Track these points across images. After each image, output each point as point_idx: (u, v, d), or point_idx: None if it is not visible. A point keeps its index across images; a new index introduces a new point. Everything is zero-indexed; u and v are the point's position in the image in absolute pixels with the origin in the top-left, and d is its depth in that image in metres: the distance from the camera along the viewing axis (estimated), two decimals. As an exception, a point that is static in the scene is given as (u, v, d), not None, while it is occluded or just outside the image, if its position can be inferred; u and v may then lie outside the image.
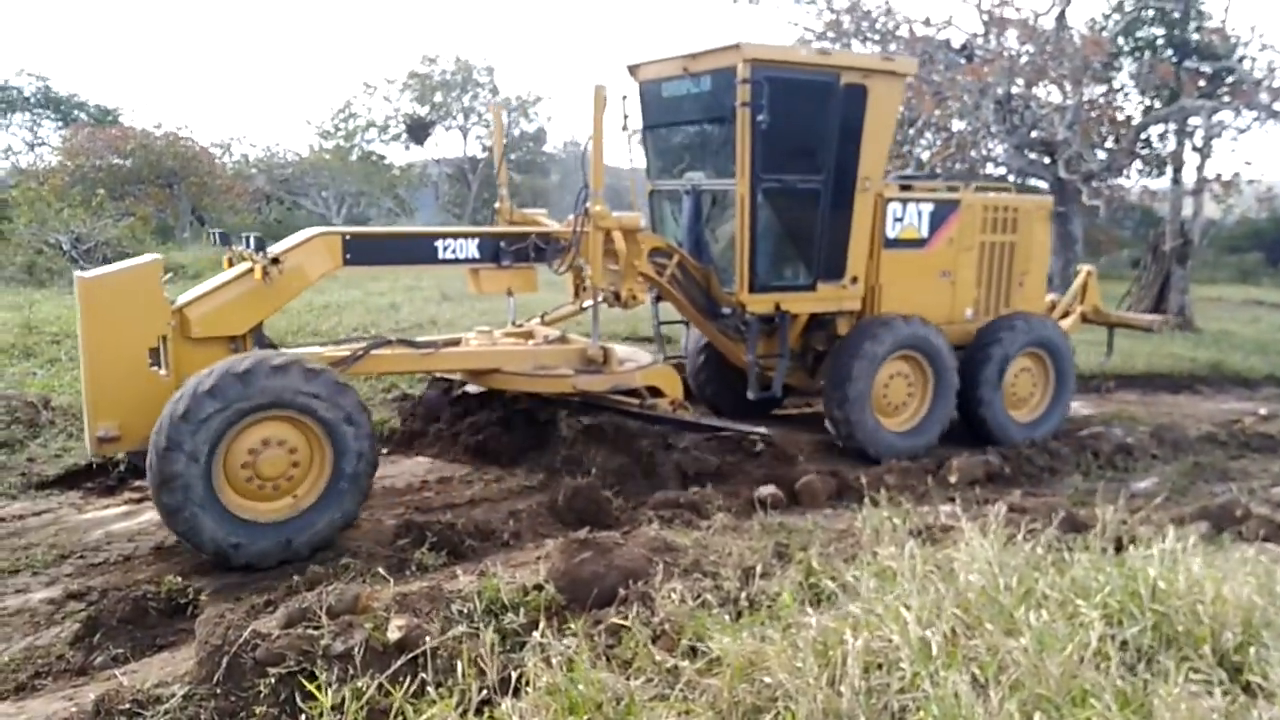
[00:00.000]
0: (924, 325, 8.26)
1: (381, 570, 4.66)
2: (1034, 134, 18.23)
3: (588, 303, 7.41)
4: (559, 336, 7.92)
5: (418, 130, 37.88)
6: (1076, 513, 5.85)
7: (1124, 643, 3.65)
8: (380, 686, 3.28)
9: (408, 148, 38.60)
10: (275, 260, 6.07)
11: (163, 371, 6.00)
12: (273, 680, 3.36)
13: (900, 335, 8.11)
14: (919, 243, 8.53)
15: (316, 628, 3.60)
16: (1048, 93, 18.62)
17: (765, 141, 7.49)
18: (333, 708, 3.14)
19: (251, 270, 6.12)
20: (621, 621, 3.89)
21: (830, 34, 19.84)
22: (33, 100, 31.25)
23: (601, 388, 7.28)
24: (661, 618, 3.98)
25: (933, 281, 8.69)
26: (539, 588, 4.22)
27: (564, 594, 4.22)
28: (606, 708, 3.25)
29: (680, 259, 7.88)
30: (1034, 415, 8.99)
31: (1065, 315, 10.12)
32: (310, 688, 3.29)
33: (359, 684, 3.26)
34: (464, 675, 3.36)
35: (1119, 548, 4.86)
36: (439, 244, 6.81)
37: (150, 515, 6.71)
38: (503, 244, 6.95)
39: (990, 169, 20.84)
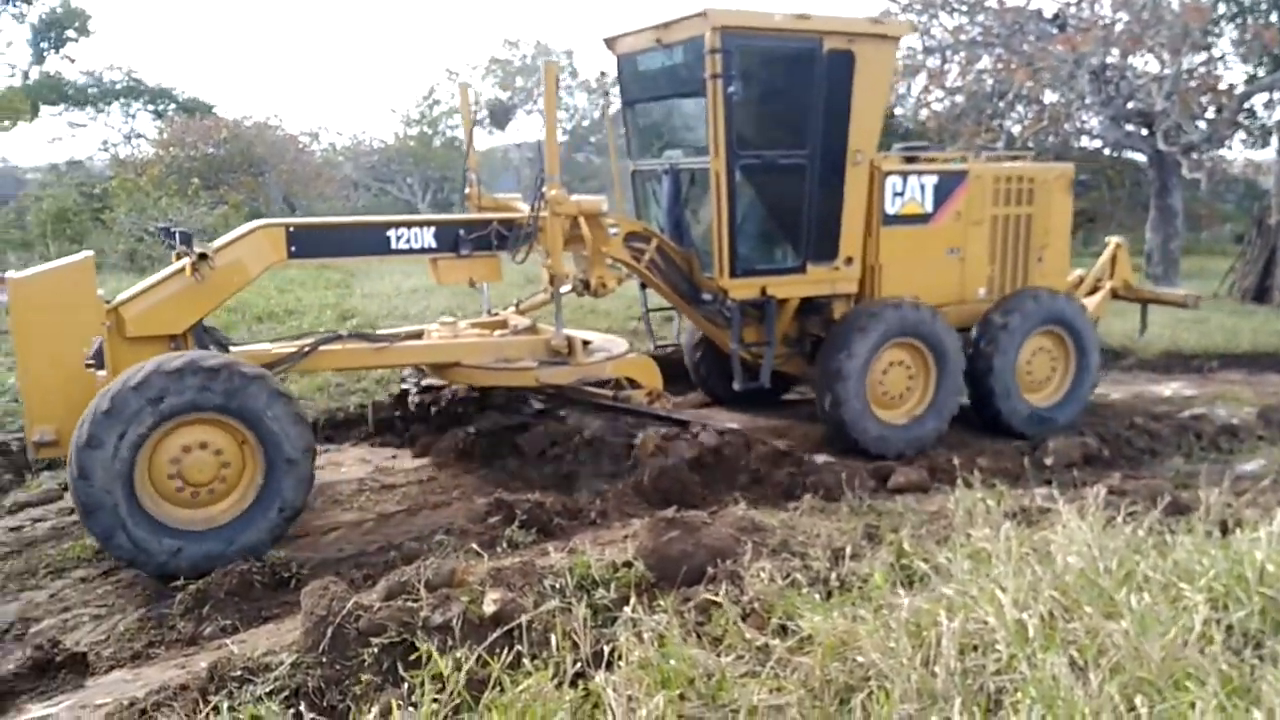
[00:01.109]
0: (923, 310, 7.73)
1: (475, 546, 4.77)
2: (1130, 105, 17.59)
3: (562, 289, 7.14)
4: (528, 326, 7.59)
5: (499, 115, 38.22)
6: (1179, 495, 5.68)
7: (1229, 627, 3.53)
8: (478, 658, 3.36)
9: (490, 132, 39.00)
10: (204, 256, 5.87)
11: (102, 372, 5.85)
12: (375, 650, 3.47)
13: (896, 322, 7.60)
14: (922, 218, 8.02)
15: (416, 600, 3.71)
16: (1145, 62, 17.94)
17: (742, 115, 7.09)
18: (433, 677, 3.23)
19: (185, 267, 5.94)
20: (712, 598, 3.92)
21: (916, 5, 19.41)
22: (122, 90, 32.37)
23: (566, 380, 6.96)
24: (751, 596, 3.99)
25: (939, 260, 8.18)
26: (628, 564, 4.26)
27: (653, 571, 4.26)
28: (698, 683, 3.28)
29: (659, 243, 7.50)
30: (1054, 399, 8.45)
31: (1094, 291, 9.62)
32: (424, 650, 3.37)
33: (458, 655, 3.34)
34: (558, 648, 3.42)
35: (1224, 531, 4.71)
36: (391, 234, 6.53)
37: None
38: (461, 232, 6.66)
39: (1085, 142, 20.21)
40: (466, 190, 7.91)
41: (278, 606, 5.04)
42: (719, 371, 8.64)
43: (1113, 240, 9.92)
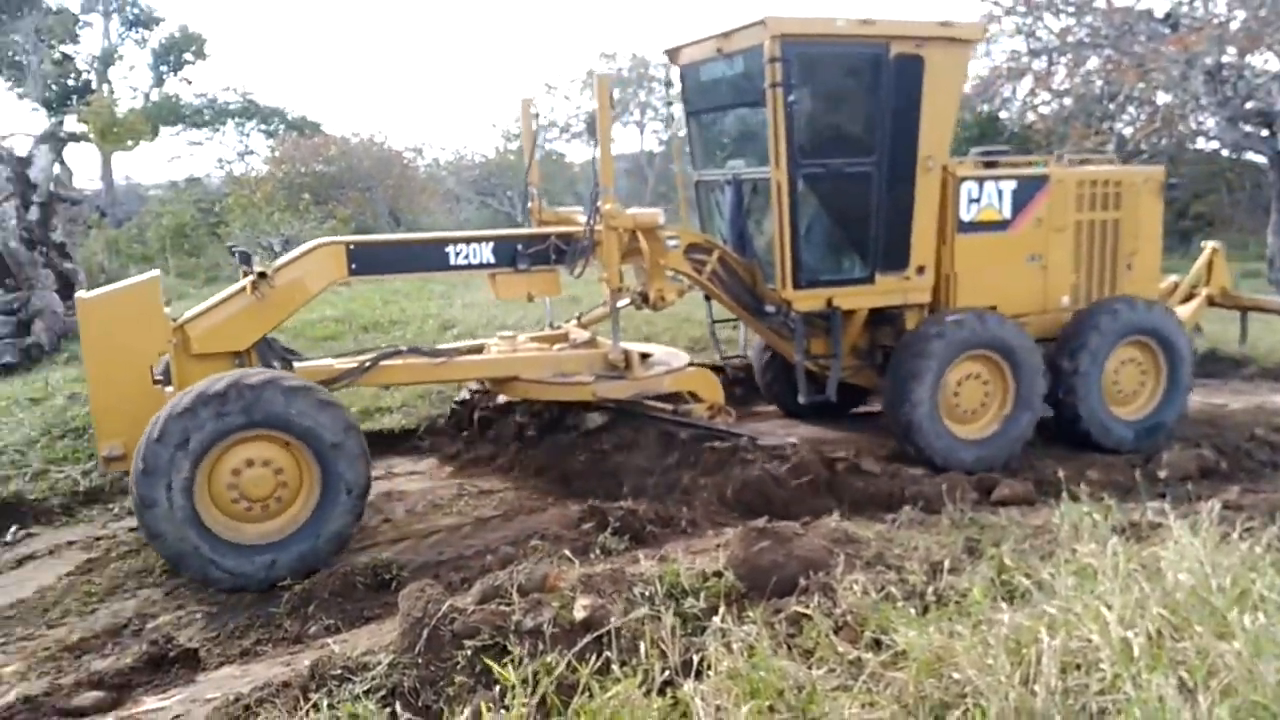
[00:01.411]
0: (999, 321, 7.46)
1: (567, 552, 4.81)
2: (1249, 105, 16.81)
3: (620, 303, 7.05)
4: (588, 339, 7.51)
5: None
6: (1301, 511, 5.38)
7: (1352, 651, 3.34)
8: (568, 663, 3.39)
9: (589, 144, 39.39)
10: (263, 275, 5.97)
11: (170, 389, 5.98)
12: (469, 652, 3.53)
13: (970, 334, 7.32)
14: (1000, 225, 7.68)
15: (508, 604, 3.77)
16: (1264, 60, 17.15)
17: (805, 123, 6.93)
18: (523, 681, 3.27)
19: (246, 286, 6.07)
20: (803, 610, 3.87)
21: (1021, 8, 18.94)
22: (237, 111, 33.82)
23: (623, 394, 6.88)
24: (843, 609, 3.93)
25: (1019, 268, 7.83)
26: (719, 574, 4.24)
27: (743, 582, 4.23)
28: (788, 695, 3.25)
29: (721, 254, 7.42)
30: (1143, 413, 8.02)
31: (1189, 298, 9.14)
32: (515, 654, 3.44)
33: (548, 659, 3.38)
34: (647, 655, 3.43)
35: (1350, 549, 4.45)
36: (450, 250, 6.56)
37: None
38: (520, 247, 6.67)
39: (1201, 143, 19.42)
40: (529, 205, 7.96)
41: (379, 607, 5.17)
42: (788, 384, 8.39)
43: (1209, 245, 9.45)
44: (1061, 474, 6.20)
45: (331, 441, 5.64)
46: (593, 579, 4.02)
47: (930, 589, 4.18)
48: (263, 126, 34.26)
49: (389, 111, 71.23)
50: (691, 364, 7.41)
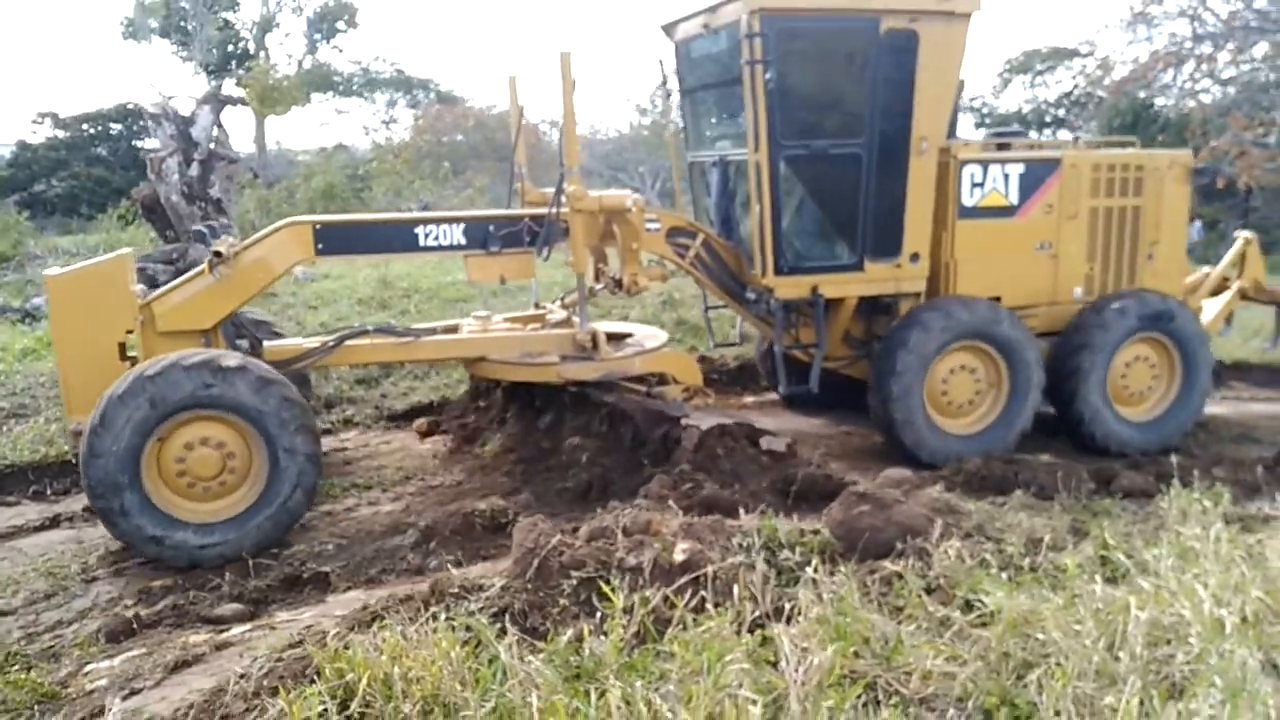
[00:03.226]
0: (993, 310, 7.08)
1: (672, 503, 5.02)
2: None
3: (598, 286, 6.87)
4: (563, 319, 7.31)
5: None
6: None
7: None
8: (665, 599, 3.62)
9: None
10: (218, 254, 5.93)
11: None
12: (574, 582, 3.80)
13: (959, 323, 6.96)
14: (1006, 211, 7.31)
15: (613, 543, 4.02)
16: None
17: (788, 103, 6.60)
18: (623, 610, 3.50)
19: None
20: (894, 567, 4.00)
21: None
22: (387, 81, 35.15)
23: (590, 376, 6.67)
24: (937, 572, 4.04)
25: (1026, 256, 7.44)
26: (815, 532, 4.40)
27: (840, 542, 4.36)
28: (873, 644, 3.40)
29: (706, 238, 7.17)
30: (1153, 414, 7.61)
31: (1219, 291, 8.58)
32: (616, 585, 3.68)
33: (646, 594, 3.61)
34: (739, 598, 3.62)
35: None
36: (420, 231, 6.45)
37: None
38: (491, 228, 6.51)
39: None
40: (515, 185, 7.77)
41: (495, 548, 5.47)
42: (788, 369, 7.93)
43: (1242, 235, 8.84)
44: (1173, 461, 6.08)
45: (270, 419, 5.52)
46: (693, 527, 4.23)
47: (1027, 561, 4.24)
48: (410, 96, 35.55)
49: (528, 84, 72.52)
50: (666, 345, 7.22)
